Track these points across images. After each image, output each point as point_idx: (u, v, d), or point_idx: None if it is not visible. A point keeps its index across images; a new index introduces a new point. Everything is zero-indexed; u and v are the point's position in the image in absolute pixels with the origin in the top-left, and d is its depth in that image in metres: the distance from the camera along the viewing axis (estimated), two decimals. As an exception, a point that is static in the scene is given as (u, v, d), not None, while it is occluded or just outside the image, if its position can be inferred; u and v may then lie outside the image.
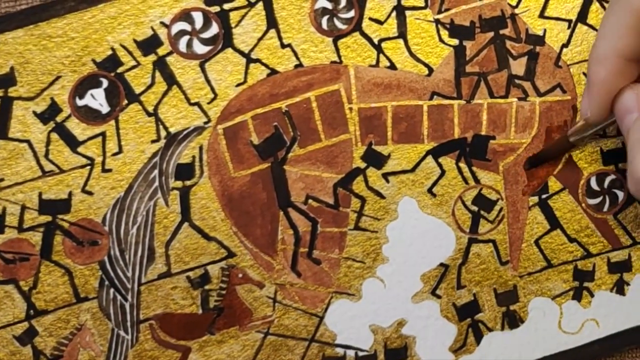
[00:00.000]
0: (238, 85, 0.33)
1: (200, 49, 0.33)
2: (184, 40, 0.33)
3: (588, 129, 0.32)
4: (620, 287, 0.35)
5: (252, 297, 0.33)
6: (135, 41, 0.33)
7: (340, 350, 0.34)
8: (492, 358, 0.34)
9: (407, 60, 0.33)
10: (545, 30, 0.34)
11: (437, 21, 0.33)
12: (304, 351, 0.33)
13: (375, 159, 0.33)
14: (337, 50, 0.33)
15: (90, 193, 0.33)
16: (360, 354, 0.34)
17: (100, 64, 0.33)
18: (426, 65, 0.33)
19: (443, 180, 0.34)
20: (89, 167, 0.33)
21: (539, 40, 0.34)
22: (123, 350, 0.33)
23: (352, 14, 0.33)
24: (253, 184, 0.33)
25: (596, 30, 0.34)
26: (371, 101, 0.33)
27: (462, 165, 0.34)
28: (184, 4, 0.33)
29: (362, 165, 0.33)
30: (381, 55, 0.33)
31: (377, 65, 0.33)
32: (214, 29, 0.33)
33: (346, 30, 0.33)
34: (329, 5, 0.33)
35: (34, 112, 0.32)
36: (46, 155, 0.32)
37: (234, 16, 0.33)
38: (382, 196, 0.33)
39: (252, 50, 0.33)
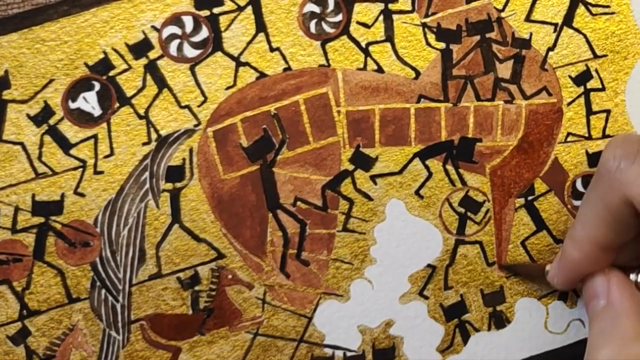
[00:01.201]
0: (228, 88, 0.34)
1: (190, 52, 0.34)
2: (174, 44, 0.34)
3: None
4: (605, 288, 0.35)
5: (242, 298, 0.34)
6: (126, 45, 0.34)
7: (328, 351, 0.34)
8: (479, 358, 0.35)
9: (395, 63, 0.34)
10: (531, 34, 0.35)
11: (424, 25, 0.34)
12: (293, 351, 0.34)
13: (363, 161, 0.34)
14: (325, 53, 0.34)
15: (82, 195, 0.33)
16: (349, 354, 0.35)
17: (93, 67, 0.33)
18: (413, 68, 0.34)
19: (430, 182, 0.34)
20: (81, 169, 0.33)
21: (525, 43, 0.35)
22: (114, 350, 0.34)
23: (339, 17, 0.34)
24: (242, 186, 0.34)
25: (582, 34, 0.35)
26: (359, 104, 0.34)
27: (449, 167, 0.35)
28: (174, 8, 0.34)
29: (350, 167, 0.34)
30: (369, 59, 0.34)
31: (364, 68, 0.34)
32: (204, 32, 0.34)
33: (334, 34, 0.34)
34: (317, 10, 0.34)
35: (28, 115, 0.33)
36: (39, 158, 0.33)
37: (223, 20, 0.34)
38: (369, 198, 0.34)
39: (241, 53, 0.34)
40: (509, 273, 0.35)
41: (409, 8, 0.34)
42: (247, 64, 0.34)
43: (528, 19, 0.35)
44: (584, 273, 0.30)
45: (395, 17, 0.34)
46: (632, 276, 0.29)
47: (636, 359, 0.26)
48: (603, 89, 0.35)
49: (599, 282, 0.30)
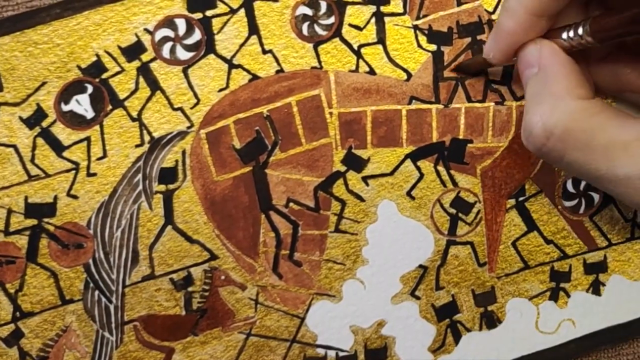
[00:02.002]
0: (220, 90, 0.34)
1: (183, 55, 0.34)
2: (167, 47, 0.34)
3: (487, 64, 0.33)
4: (596, 288, 0.36)
5: (235, 299, 0.35)
6: (119, 47, 0.34)
7: (321, 351, 0.35)
8: (471, 358, 0.36)
9: (386, 65, 0.35)
10: (521, 36, 0.35)
11: (415, 27, 0.35)
12: (286, 352, 0.35)
13: (355, 163, 0.35)
14: (318, 55, 0.35)
15: (75, 197, 0.34)
16: (341, 354, 0.35)
17: (85, 70, 0.34)
18: (405, 70, 0.35)
19: (422, 183, 0.35)
20: (74, 172, 0.34)
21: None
22: (108, 351, 0.34)
23: (332, 20, 0.35)
24: (235, 187, 0.34)
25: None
26: (351, 106, 0.35)
27: (441, 168, 0.35)
28: (167, 11, 0.34)
29: (342, 168, 0.35)
30: (361, 61, 0.35)
31: (356, 70, 0.35)
32: (197, 35, 0.34)
33: (326, 36, 0.35)
34: (310, 12, 0.34)
35: (20, 118, 0.34)
36: (32, 160, 0.34)
37: (216, 23, 0.34)
38: (361, 199, 0.35)
39: (234, 56, 0.34)
40: (463, 74, 0.35)
41: (401, 10, 0.35)
42: (239, 66, 0.34)
43: (518, 21, 0.35)
44: (518, 43, 0.31)
45: (387, 19, 0.35)
46: (564, 34, 0.29)
47: (566, 111, 0.27)
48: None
49: (531, 51, 0.30)
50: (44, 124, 0.34)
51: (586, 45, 0.29)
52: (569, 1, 0.29)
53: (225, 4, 0.34)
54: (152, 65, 0.34)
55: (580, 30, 0.28)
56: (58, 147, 0.34)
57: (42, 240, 0.34)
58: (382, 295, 0.35)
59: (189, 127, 0.34)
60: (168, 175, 0.34)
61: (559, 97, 0.28)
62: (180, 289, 0.34)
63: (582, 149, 0.27)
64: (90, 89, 0.34)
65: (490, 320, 0.36)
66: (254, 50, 0.34)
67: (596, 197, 0.36)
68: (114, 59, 0.34)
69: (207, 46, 0.34)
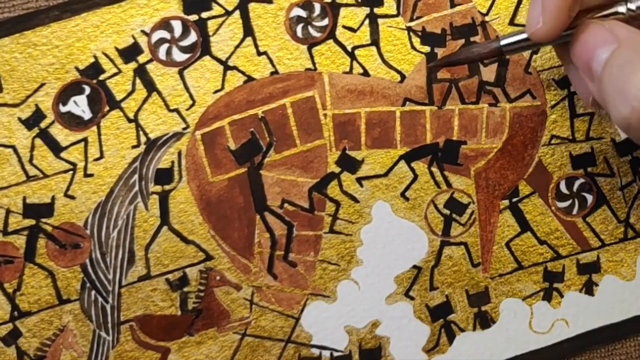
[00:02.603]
0: (216, 92, 0.35)
1: (179, 56, 0.35)
2: (163, 48, 0.35)
3: (526, 45, 0.30)
4: (589, 288, 0.36)
5: (230, 299, 0.35)
6: (116, 49, 0.35)
7: (315, 351, 0.35)
8: (465, 358, 0.36)
9: (380, 67, 0.35)
10: (515, 38, 0.36)
11: (409, 29, 0.35)
12: (281, 352, 0.35)
13: (349, 164, 0.35)
14: (312, 57, 0.35)
15: (72, 197, 0.34)
16: (336, 354, 0.36)
17: (83, 71, 0.34)
18: (398, 72, 0.35)
19: (416, 184, 0.35)
20: (71, 172, 0.35)
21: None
22: (104, 350, 0.35)
23: (326, 22, 0.35)
24: (230, 188, 0.35)
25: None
26: (345, 107, 0.35)
27: (434, 169, 0.36)
28: (163, 13, 0.35)
29: (337, 170, 0.35)
30: (354, 63, 0.35)
31: (350, 72, 0.35)
32: (193, 37, 0.35)
33: (320, 38, 0.35)
34: (304, 14, 0.35)
35: (19, 119, 0.34)
36: (30, 161, 0.34)
37: (211, 25, 0.35)
38: (356, 200, 0.35)
39: (229, 57, 0.35)
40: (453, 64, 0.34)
41: (394, 12, 0.35)
42: (234, 67, 0.35)
43: (512, 22, 0.36)
44: (573, 6, 0.28)
45: (380, 21, 0.35)
46: (621, 8, 0.28)
47: None
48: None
49: (599, 29, 0.28)
50: (43, 124, 0.34)
51: None
52: None
53: (221, 5, 0.35)
54: (149, 66, 0.35)
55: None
56: (56, 148, 0.34)
57: (39, 240, 0.34)
58: (376, 296, 0.36)
59: (184, 129, 0.35)
60: (164, 176, 0.35)
61: None
62: (175, 289, 0.35)
63: None
64: (87, 90, 0.35)
65: (484, 320, 0.36)
66: (248, 51, 0.35)
67: (589, 198, 0.36)
68: (111, 60, 0.35)
69: (203, 48, 0.35)
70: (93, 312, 0.35)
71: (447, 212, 0.36)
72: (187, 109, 0.35)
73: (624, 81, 0.26)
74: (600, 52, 0.28)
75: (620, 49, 0.27)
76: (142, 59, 0.35)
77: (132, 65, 0.35)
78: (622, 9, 0.29)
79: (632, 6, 0.29)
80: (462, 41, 0.35)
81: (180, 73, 0.35)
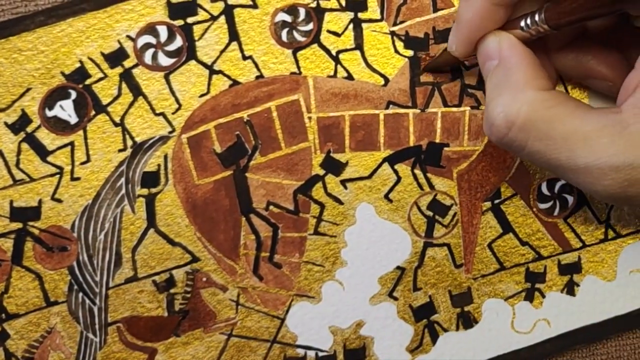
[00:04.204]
0: (201, 95, 0.36)
1: (165, 61, 0.36)
2: (149, 53, 0.35)
3: (455, 60, 0.34)
4: (570, 288, 0.37)
5: (216, 300, 0.36)
6: (102, 54, 0.35)
7: (301, 351, 0.36)
8: (448, 357, 0.37)
9: (364, 70, 0.36)
10: (497, 41, 0.36)
11: (392, 33, 0.36)
12: (266, 352, 0.36)
13: (333, 166, 0.36)
14: (297, 61, 0.36)
15: (59, 201, 0.35)
16: (321, 354, 0.36)
17: (69, 76, 0.35)
18: (382, 75, 0.36)
19: (399, 186, 0.36)
20: (58, 176, 0.35)
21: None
22: (92, 352, 0.36)
23: (310, 26, 0.36)
24: (216, 191, 0.36)
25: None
26: (329, 110, 0.36)
27: (418, 171, 0.36)
28: (149, 18, 0.36)
29: (321, 172, 0.36)
30: (339, 66, 0.36)
31: (335, 75, 0.36)
32: (178, 41, 0.35)
33: (305, 43, 0.36)
34: (289, 19, 0.36)
35: (5, 123, 0.35)
36: (17, 165, 0.35)
37: (197, 29, 0.36)
38: (340, 202, 0.36)
39: (214, 62, 0.36)
40: (435, 73, 0.36)
41: (378, 17, 0.36)
42: (220, 72, 0.36)
43: (494, 26, 0.36)
44: (479, 33, 0.31)
45: (364, 25, 0.36)
46: (522, 23, 0.30)
47: (527, 102, 0.28)
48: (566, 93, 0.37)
49: (490, 42, 0.31)
50: (29, 129, 0.35)
51: (543, 33, 0.30)
52: None
53: (206, 11, 0.36)
54: (135, 71, 0.35)
55: (536, 18, 0.30)
56: (42, 152, 0.35)
57: (27, 243, 0.35)
58: (360, 296, 0.37)
59: (170, 132, 0.36)
60: (150, 179, 0.36)
61: (520, 88, 0.29)
62: (162, 291, 0.36)
63: (543, 139, 0.28)
64: (73, 94, 0.35)
65: (467, 321, 0.37)
66: (234, 56, 0.36)
67: (570, 199, 0.37)
68: (97, 65, 0.35)
69: (189, 52, 0.36)
70: (80, 314, 0.36)
71: (430, 213, 0.37)
72: (173, 113, 0.36)
73: (488, 101, 0.30)
74: (487, 65, 0.31)
75: (497, 69, 0.30)
76: (128, 63, 0.35)
77: (118, 69, 0.35)
78: (522, 23, 0.31)
79: (523, 24, 0.30)
80: (444, 45, 0.36)
81: (166, 77, 0.36)
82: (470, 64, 0.36)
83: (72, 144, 0.35)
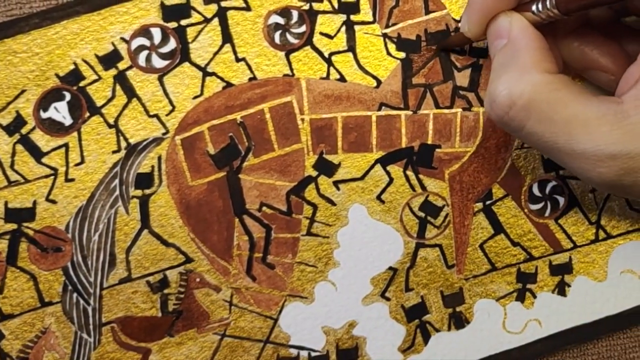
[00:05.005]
0: (195, 97, 0.36)
1: (158, 63, 0.36)
2: (143, 55, 0.36)
3: (467, 40, 0.35)
4: (561, 289, 0.38)
5: (210, 301, 0.36)
6: (96, 56, 0.36)
7: (294, 351, 0.37)
8: (440, 357, 0.37)
9: (356, 72, 0.36)
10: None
11: (384, 35, 0.37)
12: (260, 352, 0.37)
13: (326, 168, 0.36)
14: (290, 63, 0.36)
15: (54, 202, 0.36)
16: (313, 354, 0.37)
17: (63, 78, 0.36)
18: (374, 77, 0.37)
19: (391, 187, 0.37)
20: (52, 177, 0.36)
21: (482, 52, 0.37)
22: (86, 352, 0.36)
23: (303, 29, 0.36)
24: (209, 192, 0.36)
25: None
26: (322, 112, 0.36)
27: (410, 173, 0.37)
28: (143, 21, 0.36)
29: (314, 173, 0.36)
30: (331, 68, 0.36)
31: (327, 77, 0.36)
32: (172, 44, 0.36)
33: (298, 45, 0.36)
34: (282, 21, 0.36)
35: (0, 125, 0.35)
36: (12, 166, 0.36)
37: (190, 32, 0.36)
38: (333, 203, 0.37)
39: (208, 64, 0.36)
40: (442, 49, 0.37)
41: (370, 19, 0.37)
42: (213, 74, 0.36)
43: (485, 29, 0.37)
44: (491, 13, 0.32)
45: (357, 27, 0.37)
46: (533, 7, 0.31)
47: (532, 83, 0.29)
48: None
49: (502, 22, 0.32)
50: (24, 130, 0.35)
51: (554, 18, 0.30)
52: None
53: (200, 13, 0.36)
54: (129, 73, 0.36)
55: (547, 3, 0.30)
56: (37, 154, 0.36)
57: (21, 244, 0.36)
58: (353, 297, 0.37)
59: (164, 134, 0.36)
60: (144, 181, 0.36)
61: (526, 68, 0.29)
62: (156, 291, 0.36)
63: (543, 121, 0.29)
64: (68, 96, 0.36)
65: (459, 321, 0.38)
66: (227, 58, 0.36)
67: (561, 200, 0.38)
68: (91, 67, 0.36)
69: (182, 54, 0.36)
70: (75, 314, 0.36)
71: (422, 214, 0.37)
72: (167, 115, 0.36)
73: (493, 79, 0.30)
74: (495, 43, 0.32)
75: (506, 48, 0.31)
76: (122, 65, 0.36)
77: (112, 71, 0.36)
78: (533, 7, 0.31)
79: (534, 8, 0.31)
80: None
81: (160, 79, 0.36)
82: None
83: (66, 145, 0.36)
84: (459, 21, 0.37)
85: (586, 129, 0.28)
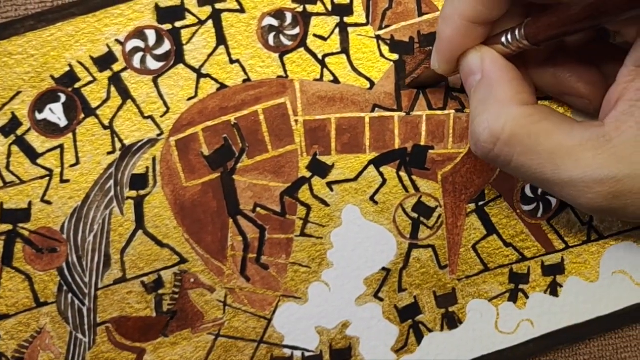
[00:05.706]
0: (189, 99, 0.36)
1: (153, 65, 0.36)
2: (137, 57, 0.36)
3: (440, 77, 0.35)
4: (553, 289, 0.38)
5: (204, 301, 0.37)
6: (91, 58, 0.36)
7: (287, 351, 0.37)
8: (432, 357, 0.38)
9: (350, 74, 0.37)
10: (481, 45, 0.37)
11: (378, 37, 0.37)
12: (253, 352, 0.37)
13: (320, 169, 0.37)
14: (283, 65, 0.37)
15: (49, 203, 0.36)
16: (307, 354, 0.37)
17: (59, 79, 0.36)
18: (368, 79, 0.37)
19: (384, 188, 0.37)
20: (48, 178, 0.36)
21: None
22: (81, 352, 0.36)
23: (297, 30, 0.37)
24: (204, 193, 0.36)
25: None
26: (316, 114, 0.37)
27: (403, 174, 0.37)
28: (137, 23, 0.36)
29: (308, 174, 0.37)
30: (325, 70, 0.37)
31: (321, 79, 0.37)
32: (166, 45, 0.36)
33: (292, 46, 0.37)
34: (276, 23, 0.37)
35: (-4, 126, 0.36)
36: (7, 167, 0.36)
37: (185, 34, 0.36)
38: (326, 204, 0.37)
39: (202, 65, 0.36)
40: (415, 87, 0.37)
41: (364, 21, 0.37)
42: (208, 75, 0.37)
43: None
44: (460, 50, 0.32)
45: (350, 29, 0.37)
46: (503, 38, 0.31)
47: (511, 117, 0.29)
48: (550, 97, 0.38)
49: (472, 58, 0.32)
50: (19, 132, 0.36)
51: (524, 49, 0.31)
52: (505, 10, 0.31)
53: (194, 15, 0.36)
54: (123, 75, 0.36)
55: (517, 34, 0.30)
56: (32, 155, 0.36)
57: (17, 244, 0.36)
58: (346, 297, 0.37)
59: (159, 135, 0.36)
60: (139, 182, 0.36)
61: (504, 103, 0.30)
62: (151, 292, 0.37)
63: (528, 154, 0.29)
64: (63, 98, 0.36)
65: (452, 321, 0.38)
66: (221, 60, 0.37)
67: (554, 201, 0.38)
68: (86, 69, 0.36)
69: (177, 56, 0.36)
70: (70, 315, 0.36)
71: (415, 215, 0.38)
72: (162, 116, 0.36)
73: (473, 117, 0.30)
74: (471, 80, 0.32)
75: (481, 83, 0.31)
76: (116, 67, 0.36)
77: (107, 73, 0.36)
78: (503, 38, 0.31)
79: (504, 40, 0.31)
80: (429, 49, 0.37)
81: (155, 81, 0.36)
82: (453, 84, 0.37)
83: (61, 146, 0.36)
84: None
85: (571, 157, 0.28)
